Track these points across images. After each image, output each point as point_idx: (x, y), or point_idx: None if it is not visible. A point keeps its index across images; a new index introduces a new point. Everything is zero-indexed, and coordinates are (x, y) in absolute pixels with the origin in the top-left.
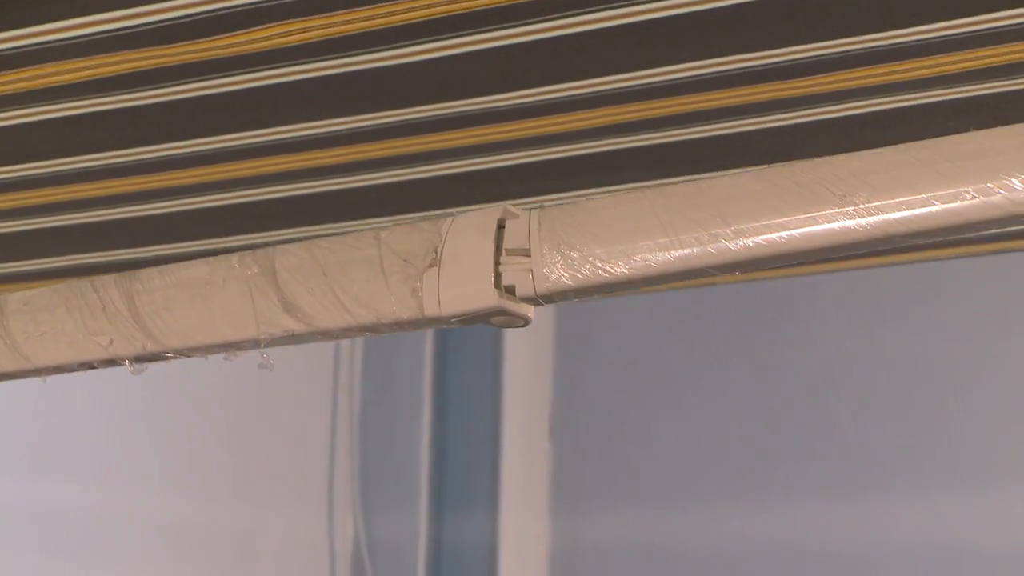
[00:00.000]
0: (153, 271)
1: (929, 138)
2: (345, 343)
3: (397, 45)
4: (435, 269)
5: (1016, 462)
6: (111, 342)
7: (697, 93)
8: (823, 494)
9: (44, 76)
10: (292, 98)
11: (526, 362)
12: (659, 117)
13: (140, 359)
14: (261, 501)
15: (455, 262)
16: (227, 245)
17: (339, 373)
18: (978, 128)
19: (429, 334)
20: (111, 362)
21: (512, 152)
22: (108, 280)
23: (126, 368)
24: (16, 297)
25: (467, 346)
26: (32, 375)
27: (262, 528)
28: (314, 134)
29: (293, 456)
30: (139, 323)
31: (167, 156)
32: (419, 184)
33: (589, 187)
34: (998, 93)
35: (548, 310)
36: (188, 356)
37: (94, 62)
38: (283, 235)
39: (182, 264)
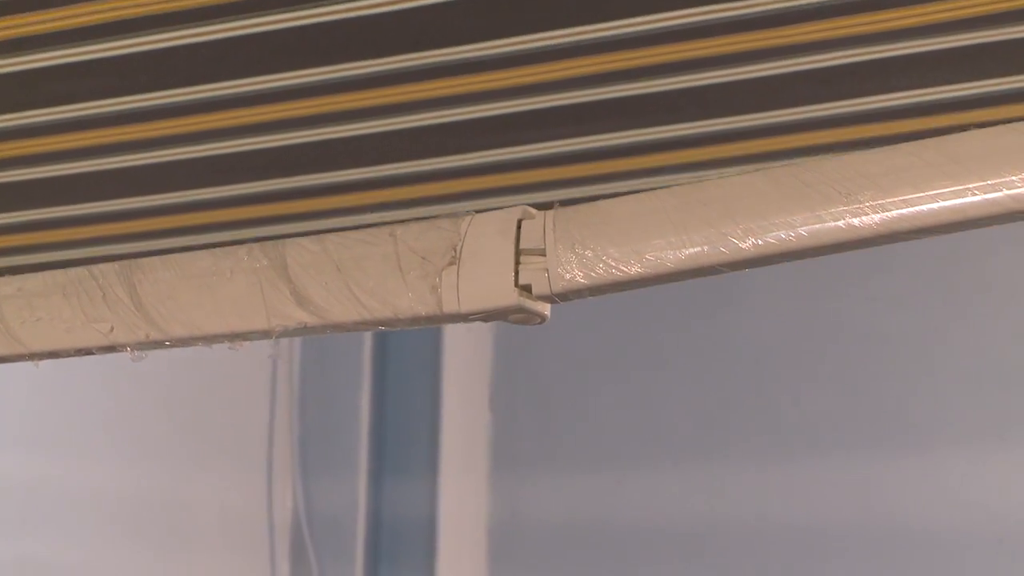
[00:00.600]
0: (155, 261)
1: (909, 89)
2: None
3: None
4: (454, 267)
5: (958, 434)
6: (112, 329)
7: (676, 43)
8: (762, 466)
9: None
10: (278, 46)
11: (466, 332)
12: (635, 68)
13: (142, 347)
14: (199, 471)
15: (475, 261)
16: (201, 198)
17: (278, 341)
18: (960, 80)
19: None
20: (111, 349)
21: (483, 104)
22: (107, 269)
23: (126, 354)
24: (7, 282)
25: None
26: (26, 359)
27: (200, 498)
28: (316, 81)
29: (232, 425)
30: (142, 311)
31: (150, 106)
32: (400, 135)
33: (560, 138)
34: (979, 44)
35: None
36: (191, 345)
37: (64, 13)
38: (257, 187)
39: (185, 255)
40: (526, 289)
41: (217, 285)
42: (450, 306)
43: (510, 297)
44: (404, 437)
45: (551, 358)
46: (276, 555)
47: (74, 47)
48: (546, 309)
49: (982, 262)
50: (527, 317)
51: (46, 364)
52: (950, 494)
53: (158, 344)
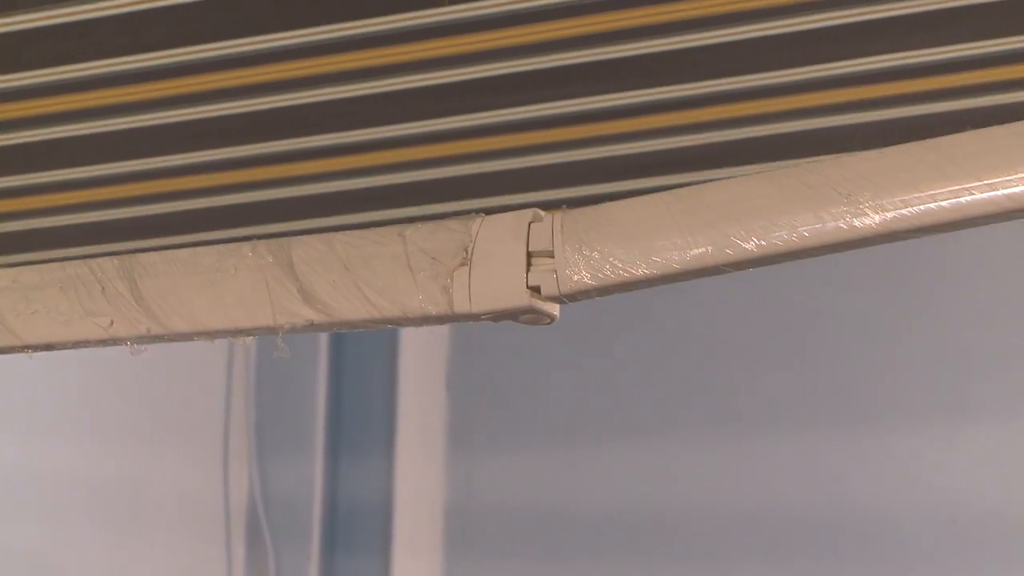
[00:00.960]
0: (156, 257)
1: (883, 52)
2: None
3: None
4: (466, 268)
5: (912, 417)
6: (111, 323)
7: (656, 5)
8: (717, 448)
9: None
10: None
11: None
12: (621, 30)
13: (142, 341)
14: (154, 453)
15: (487, 262)
16: (177, 163)
17: None
18: (942, 43)
19: None
20: (110, 342)
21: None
22: (106, 263)
23: (126, 348)
24: (1, 275)
25: None
26: (20, 351)
27: (156, 481)
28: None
29: (187, 406)
30: (142, 306)
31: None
32: (391, 97)
33: (544, 100)
34: (959, 7)
35: None
36: (193, 340)
37: None
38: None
39: (187, 251)
40: (535, 290)
41: (221, 281)
42: (462, 306)
43: (522, 298)
44: (360, 419)
45: (507, 339)
46: (232, 537)
47: (49, 9)
48: (555, 310)
49: (939, 245)
50: (537, 317)
51: None
52: (904, 476)
53: (159, 339)
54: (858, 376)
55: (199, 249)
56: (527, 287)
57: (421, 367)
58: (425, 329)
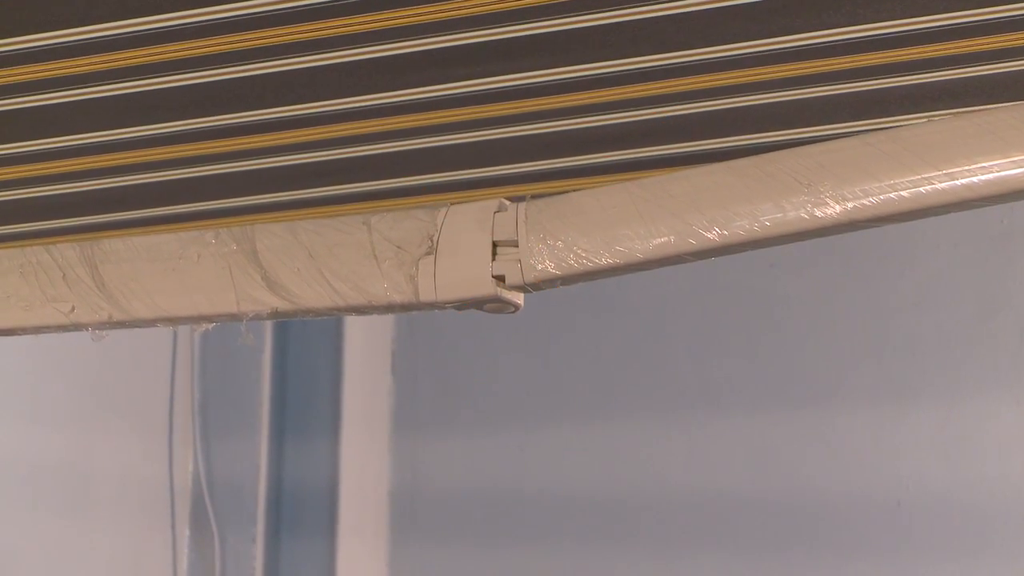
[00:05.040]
0: (117, 243)
1: (836, 26)
2: None
3: None
4: (431, 257)
5: (856, 398)
6: (72, 309)
7: None
8: (663, 429)
9: None
10: None
11: None
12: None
13: (103, 327)
14: (98, 435)
15: (452, 251)
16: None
17: None
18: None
19: None
20: (71, 328)
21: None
22: (67, 249)
23: (87, 334)
24: None
25: None
26: None
27: (99, 463)
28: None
29: (131, 388)
30: (104, 292)
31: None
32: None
33: (506, 72)
34: None
35: None
36: (155, 326)
37: None
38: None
39: (150, 238)
40: (500, 279)
41: (184, 268)
42: (427, 295)
43: (487, 287)
44: (305, 401)
45: (452, 322)
46: (176, 519)
47: None
48: (520, 299)
49: (881, 230)
50: (502, 306)
51: None
52: (849, 457)
53: (120, 325)
54: (805, 360)
55: (162, 236)
56: (492, 276)
57: (366, 350)
58: None
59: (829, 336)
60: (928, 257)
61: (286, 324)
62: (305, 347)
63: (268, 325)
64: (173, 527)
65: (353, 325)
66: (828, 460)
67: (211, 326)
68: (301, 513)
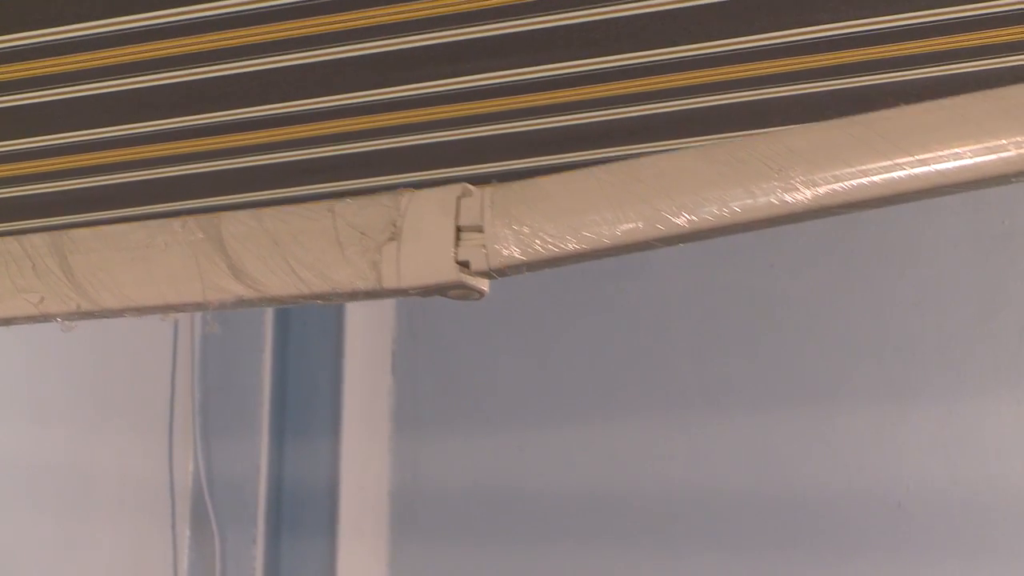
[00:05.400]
0: (86, 232)
1: (819, 24)
2: None
3: None
4: (395, 243)
5: (856, 399)
6: (41, 300)
7: None
8: (663, 429)
9: None
10: None
11: None
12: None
13: (72, 317)
14: (99, 436)
15: (415, 237)
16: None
17: None
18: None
19: None
20: (40, 319)
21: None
22: (37, 239)
23: (56, 324)
24: None
25: None
26: None
27: (100, 463)
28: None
29: (132, 388)
30: (73, 282)
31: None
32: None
33: (477, 72)
34: None
35: None
36: (123, 316)
37: None
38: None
39: (118, 227)
40: (464, 265)
41: (151, 257)
42: (390, 281)
43: (450, 273)
44: (306, 401)
45: (453, 322)
46: (177, 518)
47: None
48: (485, 285)
49: (881, 230)
50: (466, 293)
51: None
52: (849, 457)
53: (89, 315)
54: (805, 360)
55: (130, 225)
56: (456, 262)
57: (367, 350)
58: (371, 312)
59: (829, 336)
60: (929, 257)
61: (287, 324)
62: (305, 347)
63: (268, 324)
64: (173, 527)
65: (353, 325)
66: (828, 460)
67: (178, 315)
68: (301, 513)
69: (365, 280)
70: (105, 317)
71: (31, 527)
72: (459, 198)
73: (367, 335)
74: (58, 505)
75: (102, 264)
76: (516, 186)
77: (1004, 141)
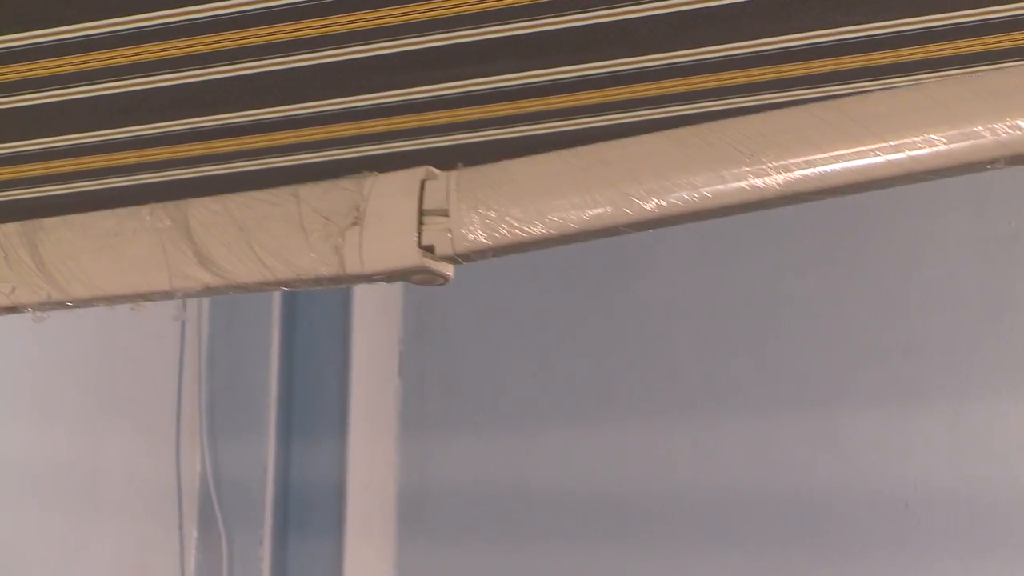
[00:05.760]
0: (58, 221)
1: (803, 31)
2: None
3: None
4: (357, 227)
5: (862, 400)
6: (13, 290)
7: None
8: (669, 429)
9: None
10: None
11: (375, 297)
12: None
13: (43, 308)
14: (106, 437)
15: (378, 221)
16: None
17: (187, 304)
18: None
19: None
20: (11, 310)
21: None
22: (9, 229)
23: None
24: None
25: None
26: None
27: (107, 464)
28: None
29: (138, 389)
30: (44, 272)
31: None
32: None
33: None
34: None
35: None
36: (94, 305)
37: None
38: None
39: (88, 215)
40: (429, 250)
41: (120, 245)
42: (353, 267)
43: (413, 258)
44: (313, 401)
45: (460, 323)
46: (184, 519)
47: None
48: (449, 270)
49: (887, 230)
50: (430, 278)
51: None
52: (855, 459)
53: (60, 305)
54: (814, 361)
55: (100, 213)
56: (419, 246)
57: (374, 351)
58: (378, 312)
59: (836, 337)
60: (934, 259)
61: (293, 324)
62: (312, 347)
63: (275, 325)
64: (180, 527)
65: (361, 326)
66: (835, 460)
67: (145, 305)
68: (308, 513)
69: (328, 266)
70: (76, 307)
71: (38, 527)
72: (423, 181)
73: (374, 336)
74: (65, 505)
75: (71, 253)
76: (483, 169)
77: (978, 127)
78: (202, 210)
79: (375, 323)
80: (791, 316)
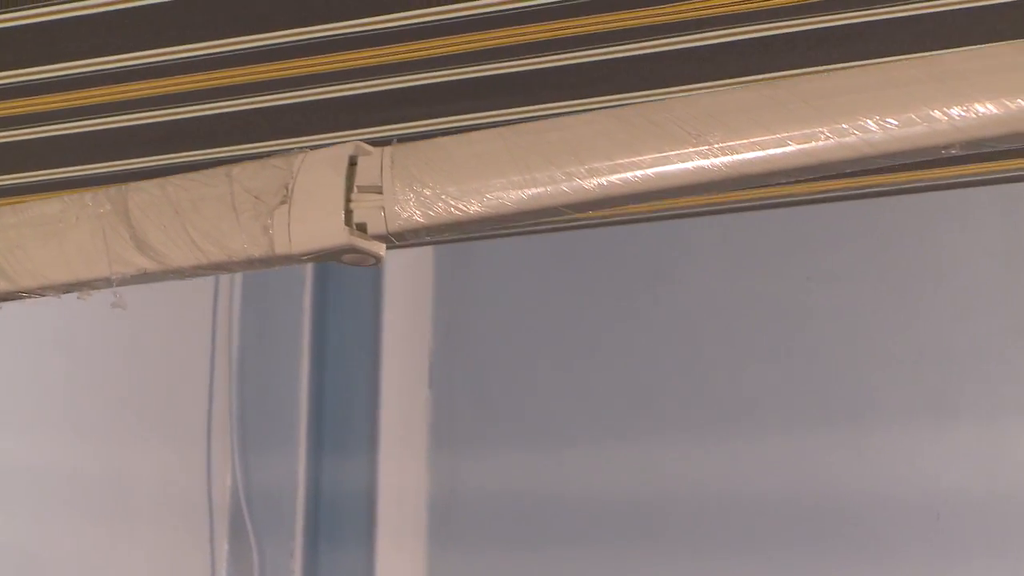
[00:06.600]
0: (7, 209)
1: (789, 68)
2: (224, 285)
3: None
4: (286, 206)
5: (894, 411)
6: None
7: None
8: (699, 442)
9: None
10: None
11: (405, 308)
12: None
13: None
14: (137, 449)
15: (306, 199)
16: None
17: (217, 317)
18: (840, 61)
19: (308, 279)
20: None
21: (364, 80)
22: None
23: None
24: None
25: (346, 292)
26: None
27: (139, 475)
28: (170, 60)
29: (169, 402)
30: None
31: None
32: (272, 112)
33: (439, 116)
34: (862, 23)
35: (427, 256)
36: (42, 295)
37: None
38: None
39: (37, 202)
40: (361, 228)
41: (63, 232)
42: (282, 247)
43: (340, 236)
44: (343, 413)
45: (489, 334)
46: (215, 532)
47: None
48: (381, 249)
49: (919, 241)
50: (360, 258)
51: None
52: (887, 471)
53: (9, 296)
54: (843, 372)
55: (47, 200)
56: (348, 224)
57: (404, 362)
58: (408, 323)
59: (866, 348)
60: (964, 268)
61: (323, 334)
62: (342, 359)
63: (305, 336)
64: (212, 540)
65: (391, 337)
66: (866, 471)
67: (90, 293)
68: (339, 526)
69: (258, 247)
70: (27, 297)
71: (70, 540)
72: (354, 157)
73: (404, 348)
74: (96, 518)
75: (19, 241)
76: (419, 146)
77: (934, 111)
78: (141, 194)
79: (405, 335)
80: (820, 326)
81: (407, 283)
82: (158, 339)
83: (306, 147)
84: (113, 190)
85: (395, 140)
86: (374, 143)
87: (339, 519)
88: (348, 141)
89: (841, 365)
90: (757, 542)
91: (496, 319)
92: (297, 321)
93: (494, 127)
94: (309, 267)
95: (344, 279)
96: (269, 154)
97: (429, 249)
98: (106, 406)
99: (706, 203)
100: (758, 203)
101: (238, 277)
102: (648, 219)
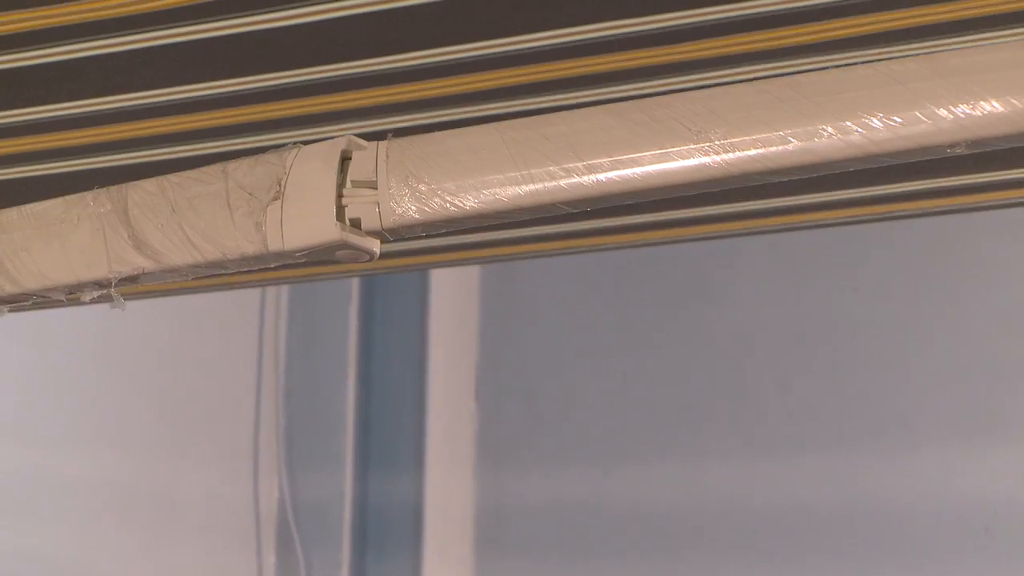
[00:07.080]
0: (12, 211)
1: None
2: (270, 298)
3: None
4: (279, 202)
5: (944, 424)
6: None
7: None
8: (745, 455)
9: None
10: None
11: (451, 322)
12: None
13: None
14: (184, 461)
15: (298, 195)
16: None
17: (264, 331)
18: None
19: (354, 292)
20: None
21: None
22: None
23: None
24: None
25: (393, 305)
26: None
27: (187, 489)
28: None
29: (217, 415)
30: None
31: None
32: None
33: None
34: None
35: (473, 270)
36: (46, 297)
37: None
38: None
39: (39, 204)
40: (355, 224)
41: (65, 233)
42: (275, 244)
43: (332, 232)
44: (390, 427)
45: (536, 349)
46: (262, 545)
47: None
48: (375, 246)
49: (968, 252)
50: (355, 254)
51: (27, 353)
52: (937, 484)
53: (15, 298)
54: (890, 385)
55: (52, 201)
56: (340, 220)
57: (450, 375)
58: (454, 338)
59: (914, 360)
60: (1010, 283)
61: (370, 349)
62: (389, 372)
63: (351, 349)
64: (259, 553)
65: (437, 351)
66: (915, 484)
67: (94, 295)
68: (386, 539)
69: (252, 244)
70: (30, 299)
71: (118, 552)
72: (347, 151)
73: (451, 361)
74: (144, 531)
75: (24, 243)
76: (414, 140)
77: (940, 109)
78: (140, 192)
79: (451, 348)
80: (869, 339)
81: (454, 297)
82: (205, 353)
83: (299, 142)
84: (114, 189)
85: (390, 135)
86: (369, 137)
87: (386, 532)
88: (342, 135)
89: (890, 378)
90: (806, 556)
91: (542, 333)
92: (344, 334)
93: (491, 122)
94: (355, 281)
95: (390, 293)
96: (265, 149)
97: (475, 264)
98: (154, 420)
99: (753, 227)
100: (802, 226)
101: (284, 290)
102: (694, 239)
